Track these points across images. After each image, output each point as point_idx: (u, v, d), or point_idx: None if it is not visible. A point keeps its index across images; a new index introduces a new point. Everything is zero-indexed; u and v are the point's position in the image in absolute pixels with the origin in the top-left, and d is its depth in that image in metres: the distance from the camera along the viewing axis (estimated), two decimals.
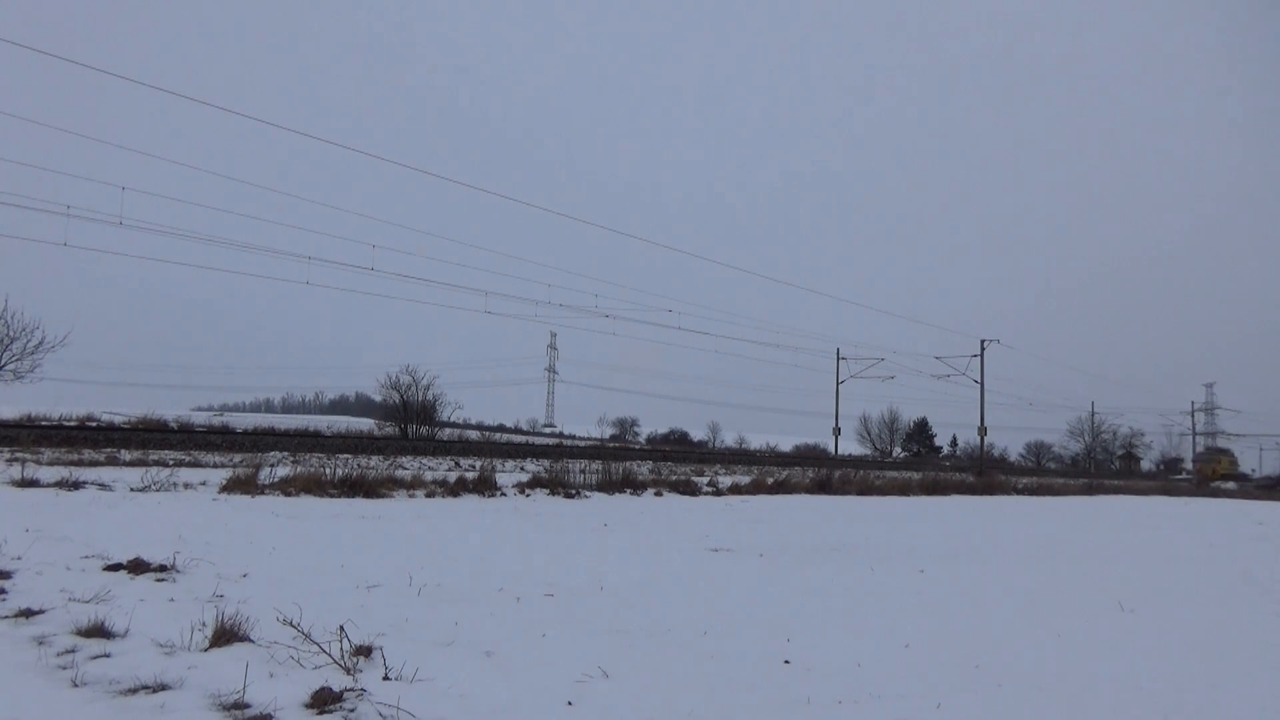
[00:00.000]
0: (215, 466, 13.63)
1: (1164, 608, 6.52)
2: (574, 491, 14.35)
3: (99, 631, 3.99)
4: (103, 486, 10.15)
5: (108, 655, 3.70)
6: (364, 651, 3.85)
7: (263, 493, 10.90)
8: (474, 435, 33.95)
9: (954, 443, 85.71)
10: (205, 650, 3.83)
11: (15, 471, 10.42)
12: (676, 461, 25.88)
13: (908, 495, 21.37)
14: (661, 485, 16.69)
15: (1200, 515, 22.02)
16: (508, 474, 16.45)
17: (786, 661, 4.24)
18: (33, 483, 9.84)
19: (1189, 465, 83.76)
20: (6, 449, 13.72)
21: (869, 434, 76.22)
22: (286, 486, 11.29)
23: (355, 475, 12.17)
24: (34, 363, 30.51)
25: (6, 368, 30.18)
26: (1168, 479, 67.20)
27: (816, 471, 22.54)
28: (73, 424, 26.87)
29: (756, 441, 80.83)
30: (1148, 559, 10.55)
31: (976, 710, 3.61)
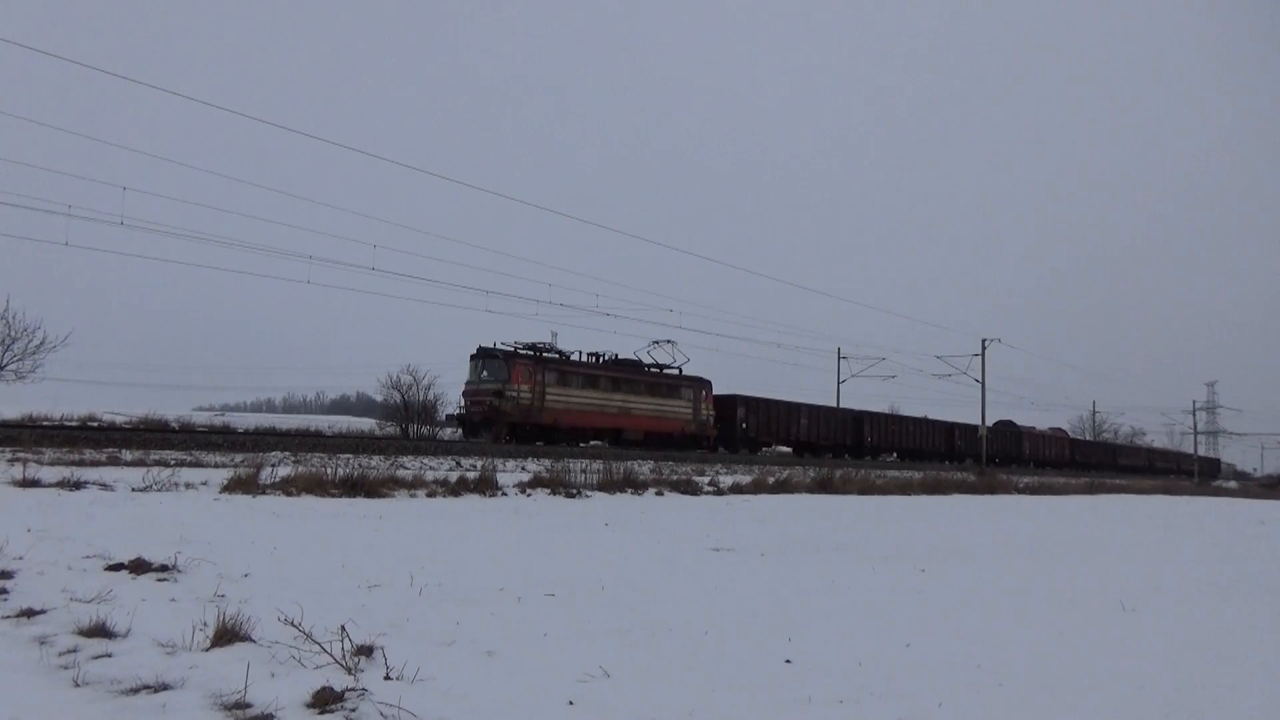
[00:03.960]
0: (217, 466, 13.63)
1: (1166, 607, 6.52)
2: (575, 491, 14.35)
3: (100, 631, 4.00)
4: (104, 486, 10.15)
5: (109, 655, 3.71)
6: (365, 651, 3.85)
7: (264, 492, 10.90)
8: None
9: None
10: (206, 650, 3.84)
11: (17, 471, 10.41)
12: (678, 461, 25.84)
13: (909, 494, 21.37)
14: (663, 484, 16.68)
15: (1201, 514, 22.02)
16: (509, 473, 16.45)
17: (788, 661, 4.24)
18: (34, 483, 9.84)
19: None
20: (8, 449, 13.72)
21: None
22: (288, 486, 11.29)
23: (356, 475, 12.16)
24: (35, 363, 30.52)
25: (8, 368, 30.21)
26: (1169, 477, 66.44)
27: (817, 470, 22.53)
28: (74, 424, 26.90)
29: None
30: (1149, 558, 10.55)
31: (978, 709, 3.61)
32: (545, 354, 28.60)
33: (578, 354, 29.93)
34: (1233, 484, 70.14)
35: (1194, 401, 79.82)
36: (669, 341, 33.37)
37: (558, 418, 27.80)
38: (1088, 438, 75.70)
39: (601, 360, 30.85)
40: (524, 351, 28.03)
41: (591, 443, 29.13)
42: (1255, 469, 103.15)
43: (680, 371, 33.00)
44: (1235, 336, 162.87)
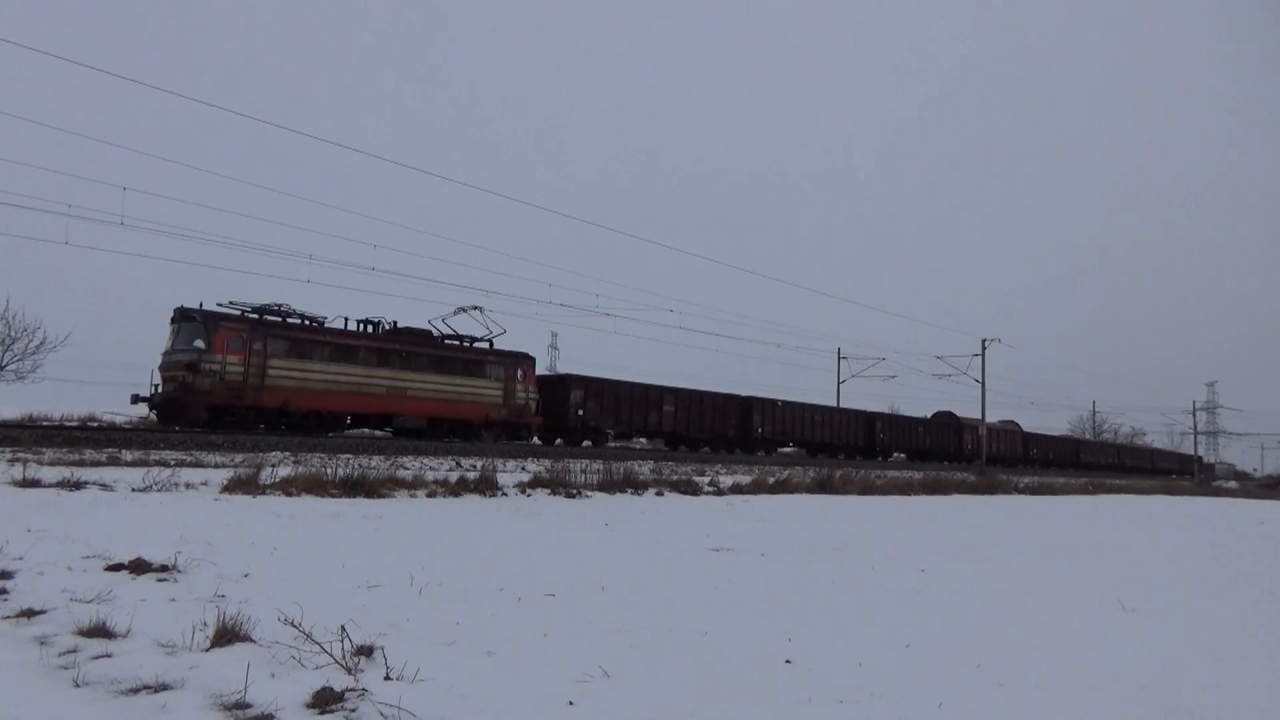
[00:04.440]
0: (217, 466, 13.64)
1: (1165, 607, 6.52)
2: (575, 491, 14.35)
3: (100, 631, 4.00)
4: (104, 486, 10.15)
5: (109, 655, 3.71)
6: (365, 651, 3.85)
7: (264, 493, 10.90)
8: None
9: None
10: (206, 650, 3.84)
11: (17, 471, 10.42)
12: (678, 461, 25.85)
13: (909, 495, 21.39)
14: (663, 485, 16.70)
15: (1201, 514, 22.02)
16: (509, 474, 16.45)
17: (788, 661, 4.24)
18: (34, 483, 9.85)
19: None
20: (8, 449, 13.72)
21: None
22: (288, 486, 11.30)
23: (356, 475, 12.16)
24: (35, 363, 30.56)
25: (8, 368, 30.25)
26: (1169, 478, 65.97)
27: (817, 471, 22.55)
28: (74, 424, 26.86)
29: None
30: (1149, 558, 10.55)
31: (978, 710, 3.62)
32: (279, 316, 21.83)
33: (341, 320, 23.27)
34: (1232, 484, 70.12)
35: (1194, 401, 79.95)
36: (475, 308, 26.62)
37: (287, 399, 21.19)
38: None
39: (376, 328, 23.97)
40: (242, 313, 21.26)
41: (363, 431, 24.08)
42: (1255, 469, 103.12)
43: (491, 344, 26.54)
44: (1235, 336, 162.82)
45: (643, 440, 33.45)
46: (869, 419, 42.61)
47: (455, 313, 26.71)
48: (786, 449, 38.76)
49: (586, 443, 28.89)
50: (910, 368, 47.10)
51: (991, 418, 46.30)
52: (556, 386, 28.77)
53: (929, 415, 50.22)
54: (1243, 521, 19.44)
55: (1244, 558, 11.09)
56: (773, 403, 36.95)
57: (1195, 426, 79.86)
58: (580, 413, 28.64)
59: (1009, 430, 54.16)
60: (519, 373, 26.44)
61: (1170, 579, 8.38)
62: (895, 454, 43.71)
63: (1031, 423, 58.50)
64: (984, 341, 42.58)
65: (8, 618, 4.27)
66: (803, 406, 38.76)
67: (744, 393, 35.99)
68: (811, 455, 37.83)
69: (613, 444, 30.92)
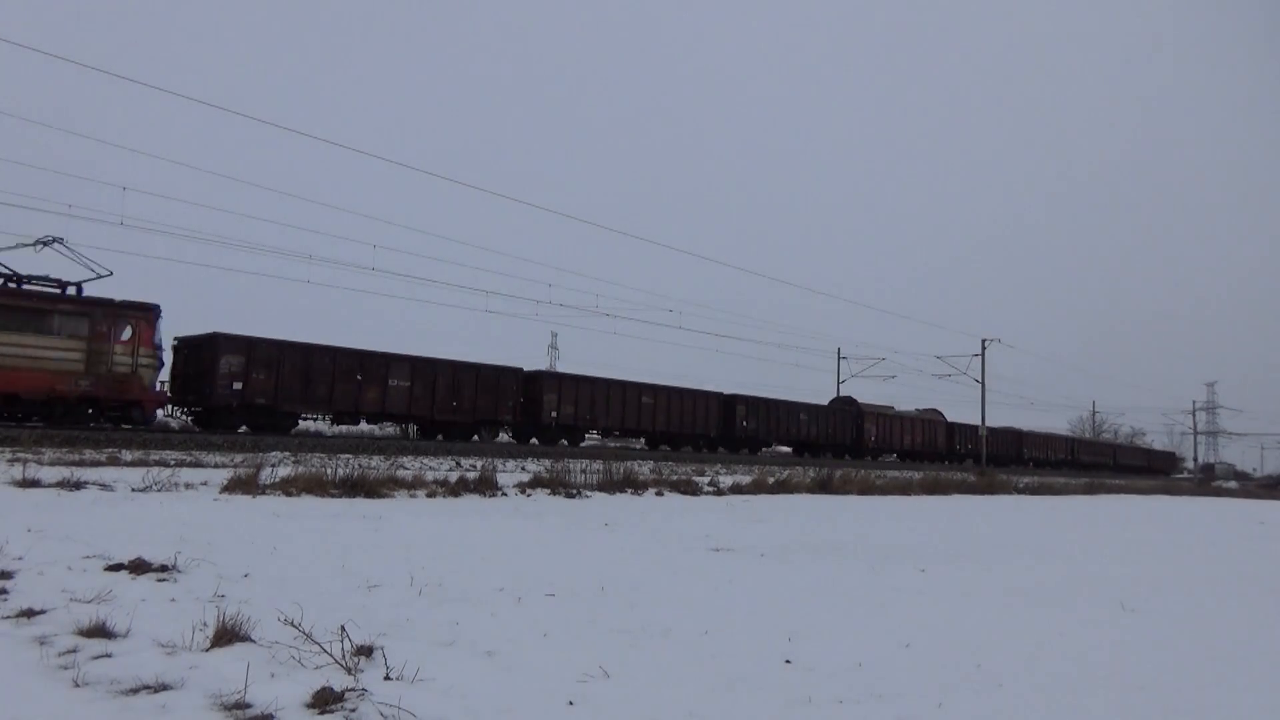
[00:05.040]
0: (216, 466, 13.64)
1: (1166, 607, 6.52)
2: (575, 491, 14.35)
3: (100, 631, 4.00)
4: (104, 487, 10.15)
5: (109, 655, 3.71)
6: (365, 651, 3.85)
7: (264, 493, 10.90)
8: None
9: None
10: (206, 650, 3.83)
11: (17, 471, 10.42)
12: (677, 461, 25.84)
13: (909, 495, 21.40)
14: (663, 485, 16.70)
15: (1201, 514, 22.03)
16: (509, 474, 16.46)
17: (788, 661, 4.24)
18: (34, 483, 9.85)
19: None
20: (8, 449, 13.72)
21: None
22: (288, 486, 11.29)
23: (356, 475, 12.16)
24: None
25: None
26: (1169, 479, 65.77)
27: (817, 471, 22.55)
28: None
29: None
30: (1149, 558, 10.55)
31: (978, 710, 3.62)
32: None
33: None
34: (1232, 484, 70.12)
35: (1194, 402, 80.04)
36: (57, 240, 19.10)
37: None
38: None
39: None
40: None
41: None
42: (1255, 469, 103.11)
43: (80, 290, 18.66)
44: (1235, 336, 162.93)
45: (371, 425, 25.95)
46: (727, 402, 33.93)
47: (35, 246, 19.02)
48: (628, 441, 31.73)
49: (278, 434, 21.43)
50: (910, 368, 47.01)
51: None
52: (201, 351, 20.89)
53: (825, 401, 42.65)
54: (1243, 521, 19.45)
55: (1244, 558, 11.09)
56: (574, 378, 28.86)
57: (1195, 426, 79.96)
58: (238, 386, 20.69)
59: (928, 420, 46.53)
60: (122, 330, 18.69)
61: (1170, 579, 8.39)
62: (770, 446, 36.56)
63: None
64: (984, 341, 42.64)
65: (8, 618, 4.27)
66: (624, 384, 29.91)
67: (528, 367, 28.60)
68: (652, 447, 31.00)
69: (327, 430, 24.16)
